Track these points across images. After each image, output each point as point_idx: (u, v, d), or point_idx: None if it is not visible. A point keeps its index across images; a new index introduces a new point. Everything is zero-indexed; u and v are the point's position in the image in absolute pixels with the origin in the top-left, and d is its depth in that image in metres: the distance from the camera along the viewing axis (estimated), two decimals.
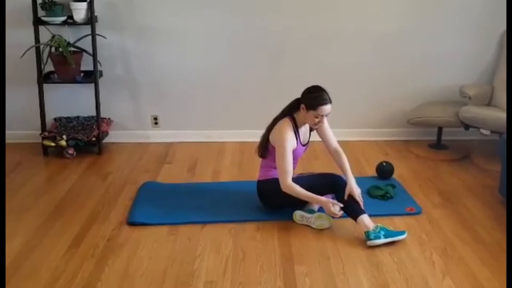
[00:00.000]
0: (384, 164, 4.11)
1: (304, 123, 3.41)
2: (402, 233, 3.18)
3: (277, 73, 4.80)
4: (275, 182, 3.33)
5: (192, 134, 4.95)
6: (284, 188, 3.28)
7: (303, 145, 3.46)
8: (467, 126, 4.44)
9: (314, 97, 3.25)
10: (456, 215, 3.54)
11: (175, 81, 4.82)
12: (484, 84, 4.74)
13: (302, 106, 3.30)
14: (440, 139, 4.76)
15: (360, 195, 3.31)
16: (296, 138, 3.36)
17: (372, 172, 4.18)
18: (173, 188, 3.92)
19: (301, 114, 3.33)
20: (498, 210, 3.61)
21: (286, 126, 3.33)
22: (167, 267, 2.94)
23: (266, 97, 4.77)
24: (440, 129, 4.73)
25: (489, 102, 4.58)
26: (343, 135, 4.94)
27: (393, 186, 3.87)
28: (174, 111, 4.91)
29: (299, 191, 3.27)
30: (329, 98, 3.26)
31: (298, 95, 4.80)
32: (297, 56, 4.76)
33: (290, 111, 3.39)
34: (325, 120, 3.39)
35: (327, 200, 3.26)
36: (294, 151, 3.35)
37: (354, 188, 3.30)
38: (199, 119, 4.94)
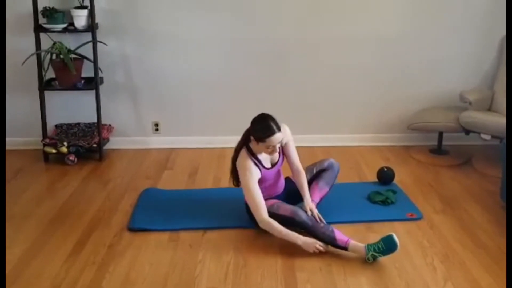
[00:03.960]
0: (385, 169, 4.11)
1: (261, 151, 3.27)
2: (393, 245, 2.99)
3: (278, 78, 4.80)
4: None
5: (193, 140, 4.95)
6: (260, 224, 3.19)
7: (270, 168, 3.33)
8: (467, 131, 4.44)
9: (260, 130, 3.13)
10: (457, 220, 3.54)
11: (176, 87, 4.82)
12: (485, 89, 4.75)
13: (252, 138, 3.19)
14: (441, 144, 4.76)
15: (317, 214, 3.28)
16: (259, 168, 3.26)
17: (373, 177, 4.18)
18: (174, 194, 3.92)
19: (254, 144, 3.23)
20: (499, 215, 3.61)
21: (244, 161, 3.22)
22: (168, 274, 2.93)
23: (267, 102, 4.78)
24: (440, 134, 4.74)
25: (489, 107, 4.58)
26: (344, 141, 4.98)
27: (394, 192, 3.86)
28: (174, 117, 4.91)
29: (277, 228, 3.13)
30: (277, 126, 3.12)
31: (299, 99, 4.88)
32: (297, 61, 4.77)
33: (245, 142, 3.28)
34: (289, 139, 3.38)
35: (306, 240, 3.10)
36: (263, 177, 3.28)
37: (311, 205, 3.30)
38: (200, 125, 4.95)
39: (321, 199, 3.46)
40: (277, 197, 3.43)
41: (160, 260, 3.07)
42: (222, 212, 3.60)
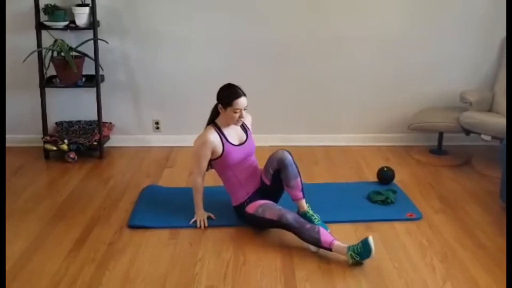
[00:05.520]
0: (385, 169, 4.11)
1: (228, 124, 3.42)
2: (369, 249, 2.94)
3: (279, 78, 4.81)
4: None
5: (194, 139, 4.93)
6: (189, 182, 3.44)
7: (238, 145, 3.42)
8: (468, 132, 4.45)
9: (227, 95, 3.33)
10: (457, 221, 3.54)
11: (177, 86, 4.83)
12: (485, 89, 4.75)
13: (219, 107, 3.36)
14: (441, 144, 4.77)
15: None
16: (222, 141, 3.37)
17: (373, 177, 4.19)
18: (174, 192, 3.93)
19: (222, 116, 3.38)
20: (498, 215, 3.61)
21: (206, 132, 3.39)
22: (167, 271, 2.94)
23: (267, 102, 4.78)
24: (441, 135, 4.74)
25: (490, 108, 4.59)
26: (344, 141, 4.98)
27: (394, 192, 3.87)
28: (175, 115, 4.92)
29: (195, 194, 3.45)
30: (242, 92, 3.33)
31: (299, 99, 4.89)
32: (297, 61, 4.77)
33: (212, 119, 3.46)
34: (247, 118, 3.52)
35: (202, 214, 3.45)
36: (230, 155, 3.37)
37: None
38: (201, 124, 4.88)
39: (302, 191, 3.37)
40: (253, 194, 3.39)
41: (160, 257, 3.07)
42: (222, 209, 3.60)
